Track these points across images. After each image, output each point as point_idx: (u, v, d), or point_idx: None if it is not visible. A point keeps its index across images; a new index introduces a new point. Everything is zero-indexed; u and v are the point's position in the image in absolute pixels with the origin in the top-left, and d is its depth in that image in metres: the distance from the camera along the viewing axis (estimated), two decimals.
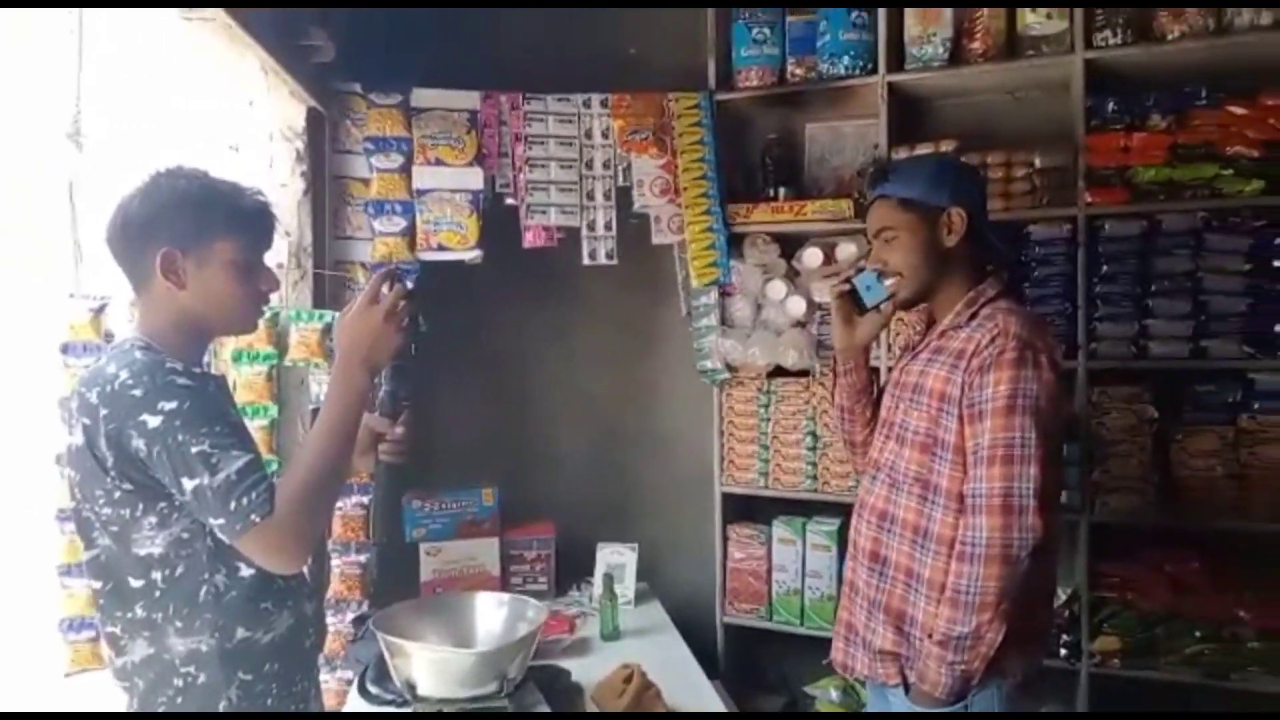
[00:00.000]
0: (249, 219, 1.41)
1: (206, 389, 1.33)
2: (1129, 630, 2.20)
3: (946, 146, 2.36)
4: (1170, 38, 2.15)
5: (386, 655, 1.44)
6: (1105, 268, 2.21)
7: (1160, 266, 2.17)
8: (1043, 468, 1.47)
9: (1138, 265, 2.19)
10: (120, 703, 1.34)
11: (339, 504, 2.32)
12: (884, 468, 1.69)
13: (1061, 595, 2.31)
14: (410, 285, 1.49)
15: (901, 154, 2.42)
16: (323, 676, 2.25)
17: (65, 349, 2.23)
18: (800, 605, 2.55)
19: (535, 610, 1.60)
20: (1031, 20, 2.28)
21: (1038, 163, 2.28)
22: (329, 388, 1.38)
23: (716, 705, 1.85)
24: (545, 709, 1.66)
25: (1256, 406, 2.11)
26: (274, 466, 2.12)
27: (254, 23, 1.92)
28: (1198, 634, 2.15)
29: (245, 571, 1.32)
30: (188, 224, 1.34)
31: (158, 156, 2.12)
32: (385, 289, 1.40)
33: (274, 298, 2.29)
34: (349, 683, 2.08)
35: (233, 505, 1.21)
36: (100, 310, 2.26)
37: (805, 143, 2.79)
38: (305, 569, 1.54)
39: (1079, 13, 2.21)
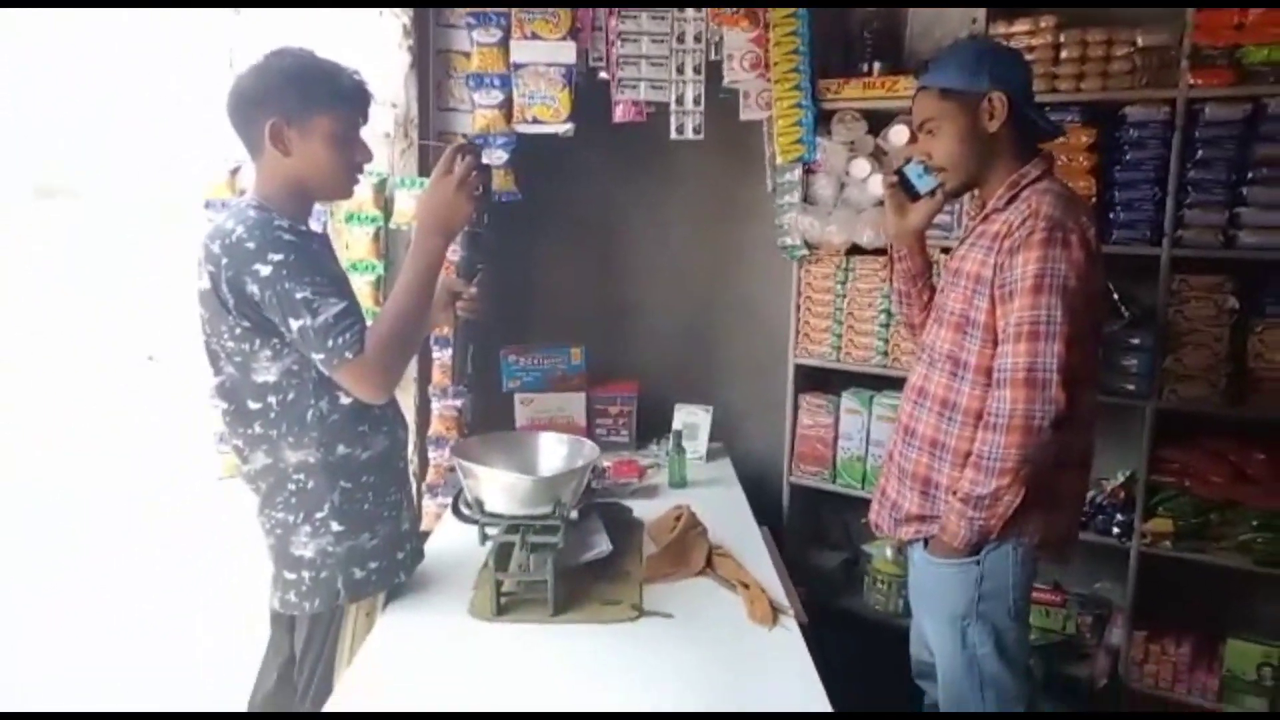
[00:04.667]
0: (346, 96, 1.56)
1: (310, 245, 1.55)
2: (1183, 514, 2.24)
3: (1046, 23, 2.28)
4: None
5: (461, 476, 1.68)
6: (1201, 153, 2.13)
7: (1260, 153, 2.08)
8: (1068, 344, 1.52)
9: (1236, 151, 2.10)
10: (251, 502, 1.64)
11: (437, 355, 2.59)
12: (926, 348, 1.79)
13: (1119, 477, 2.37)
14: (482, 158, 1.63)
15: (1000, 28, 2.36)
16: (425, 502, 2.60)
17: (207, 204, 2.55)
18: (862, 470, 2.69)
19: (590, 449, 1.80)
20: None
21: (1140, 41, 2.17)
22: (410, 251, 1.57)
23: (760, 548, 2.03)
24: (603, 536, 1.90)
25: None
26: None
27: None
28: (1254, 523, 2.18)
29: (345, 400, 1.55)
30: (292, 98, 1.51)
31: (292, 29, 2.34)
32: (458, 161, 1.56)
33: (383, 165, 2.54)
34: (446, 506, 2.39)
35: (330, 343, 1.44)
36: (235, 172, 2.55)
37: (909, 14, 2.72)
38: (402, 406, 1.80)
39: None
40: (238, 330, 1.48)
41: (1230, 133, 2.11)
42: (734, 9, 2.58)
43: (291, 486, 1.56)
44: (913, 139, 2.49)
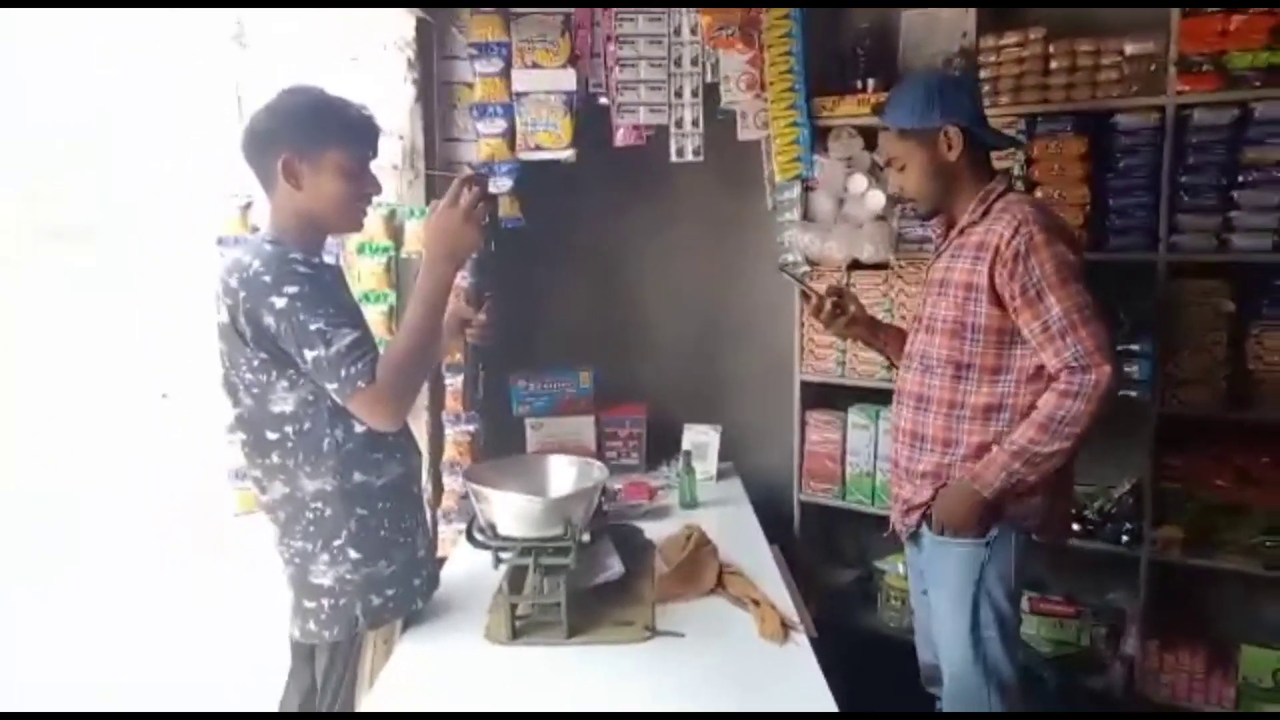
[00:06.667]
0: (355, 130, 1.61)
1: (323, 277, 1.59)
2: (1191, 519, 2.25)
3: (1035, 35, 2.32)
4: None
5: (473, 501, 1.71)
6: (1191, 158, 2.16)
7: (1250, 156, 2.11)
8: (1102, 320, 1.64)
9: (1226, 155, 2.14)
10: (269, 533, 1.66)
11: (449, 381, 2.63)
12: (916, 357, 1.87)
13: (1125, 484, 2.38)
14: (489, 187, 1.67)
15: (989, 41, 2.40)
16: (441, 528, 2.63)
17: (219, 241, 2.61)
18: (872, 486, 2.71)
19: (600, 470, 1.83)
20: None
21: (1128, 50, 2.21)
22: (419, 280, 1.61)
23: (770, 566, 2.05)
24: (615, 559, 1.92)
25: None
26: None
27: None
28: (1262, 525, 2.18)
29: (359, 428, 1.58)
30: (303, 134, 1.56)
31: (298, 66, 2.40)
32: (465, 191, 1.60)
33: (391, 196, 2.59)
34: (461, 532, 2.42)
35: (343, 373, 1.47)
36: (246, 207, 2.61)
37: (900, 30, 2.77)
38: (415, 433, 1.83)
39: None
40: (255, 362, 1.52)
41: (1219, 137, 2.14)
42: (729, 32, 2.63)
43: (309, 515, 1.59)
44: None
